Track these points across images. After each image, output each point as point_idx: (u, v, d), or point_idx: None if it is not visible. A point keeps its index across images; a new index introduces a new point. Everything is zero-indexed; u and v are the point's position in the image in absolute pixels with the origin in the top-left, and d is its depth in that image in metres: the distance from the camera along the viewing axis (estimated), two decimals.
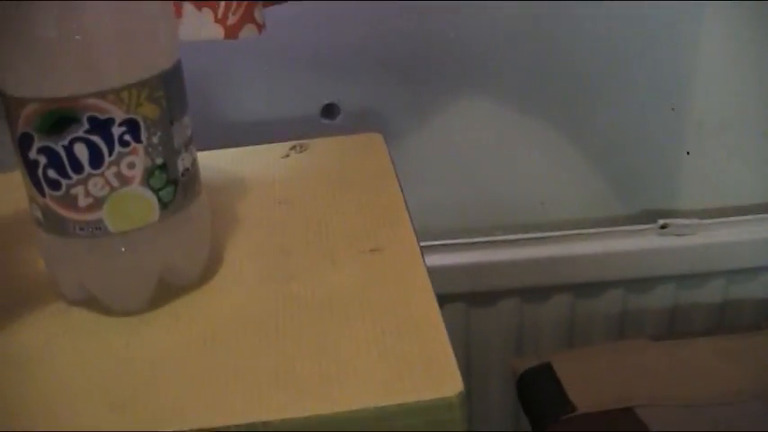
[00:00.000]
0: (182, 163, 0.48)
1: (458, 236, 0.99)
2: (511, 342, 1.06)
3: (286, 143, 0.71)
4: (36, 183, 0.46)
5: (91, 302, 0.51)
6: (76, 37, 0.43)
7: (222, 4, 0.66)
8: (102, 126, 0.44)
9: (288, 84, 0.90)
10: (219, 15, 0.67)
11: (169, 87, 0.46)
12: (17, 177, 0.49)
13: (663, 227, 1.01)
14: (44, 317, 0.51)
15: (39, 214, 0.48)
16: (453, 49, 0.91)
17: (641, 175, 1.03)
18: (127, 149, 0.45)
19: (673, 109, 0.98)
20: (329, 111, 0.93)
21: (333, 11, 0.81)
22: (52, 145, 0.44)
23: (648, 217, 1.04)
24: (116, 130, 0.44)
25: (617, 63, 0.95)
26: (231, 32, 0.67)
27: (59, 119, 0.44)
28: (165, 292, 0.51)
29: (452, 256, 0.98)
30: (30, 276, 0.54)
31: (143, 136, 0.45)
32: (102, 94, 0.43)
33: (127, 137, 0.45)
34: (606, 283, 1.03)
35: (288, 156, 0.69)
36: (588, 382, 0.85)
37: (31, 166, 0.46)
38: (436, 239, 0.97)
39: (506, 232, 1.03)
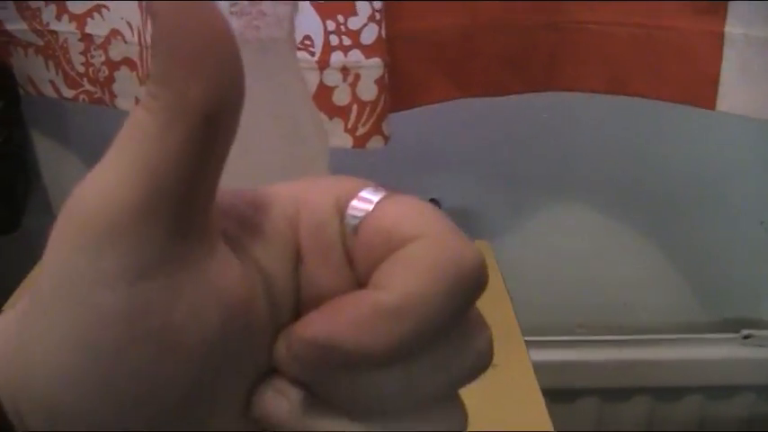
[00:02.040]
0: None
1: (541, 333, 1.01)
2: None
3: None
4: None
5: None
6: None
7: (353, 115, 0.70)
8: None
9: (392, 177, 0.93)
10: (350, 126, 0.71)
11: None
12: None
13: (746, 337, 1.02)
14: None
15: None
16: (553, 158, 0.94)
17: (726, 285, 1.04)
18: None
19: (762, 223, 0.99)
20: None
21: (442, 111, 0.84)
22: None
23: (730, 326, 1.05)
24: None
25: (709, 177, 0.97)
26: (359, 142, 0.71)
27: None
28: None
29: (534, 353, 0.99)
30: None
31: None
32: None
33: None
34: (686, 389, 1.04)
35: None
36: None
37: None
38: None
39: (590, 331, 1.04)
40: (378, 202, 0.25)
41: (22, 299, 0.25)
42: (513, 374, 0.56)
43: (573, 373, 1.02)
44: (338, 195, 0.26)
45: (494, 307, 0.64)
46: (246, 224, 0.25)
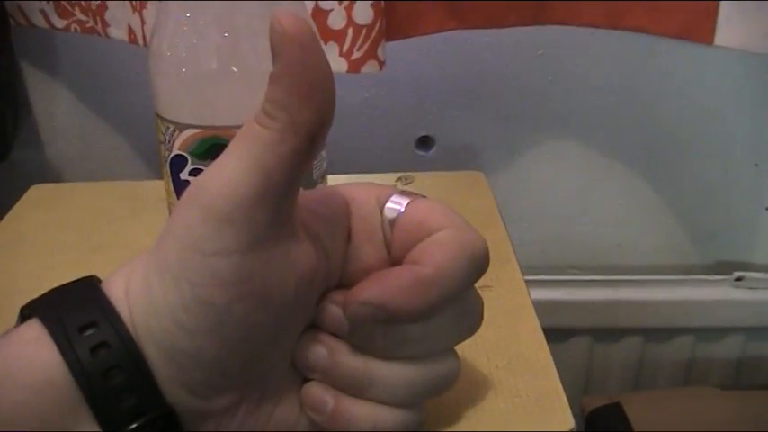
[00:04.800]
0: None
1: (534, 272, 1.02)
2: (580, 379, 1.08)
3: (392, 174, 0.74)
4: None
5: None
6: (234, 70, 0.46)
7: (348, 39, 0.69)
8: None
9: (386, 113, 0.93)
10: (344, 50, 0.70)
11: None
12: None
13: (738, 279, 1.02)
14: None
15: None
16: (548, 94, 0.94)
17: (719, 226, 1.04)
18: None
19: (756, 165, 0.99)
20: (424, 143, 0.95)
21: (435, 45, 0.83)
22: (204, 168, 0.48)
23: (723, 268, 1.05)
24: None
25: (704, 117, 0.96)
26: (354, 67, 0.70)
27: (213, 145, 0.47)
28: None
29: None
30: None
31: None
32: None
33: None
34: (676, 330, 1.05)
35: (394, 186, 0.72)
36: (657, 425, 0.87)
37: (181, 186, 0.49)
38: None
39: (582, 272, 1.05)
40: (408, 203, 0.34)
41: (142, 256, 0.32)
42: (507, 295, 0.56)
43: (565, 313, 1.03)
44: (378, 195, 0.35)
45: (488, 228, 0.64)
46: (315, 214, 0.33)
